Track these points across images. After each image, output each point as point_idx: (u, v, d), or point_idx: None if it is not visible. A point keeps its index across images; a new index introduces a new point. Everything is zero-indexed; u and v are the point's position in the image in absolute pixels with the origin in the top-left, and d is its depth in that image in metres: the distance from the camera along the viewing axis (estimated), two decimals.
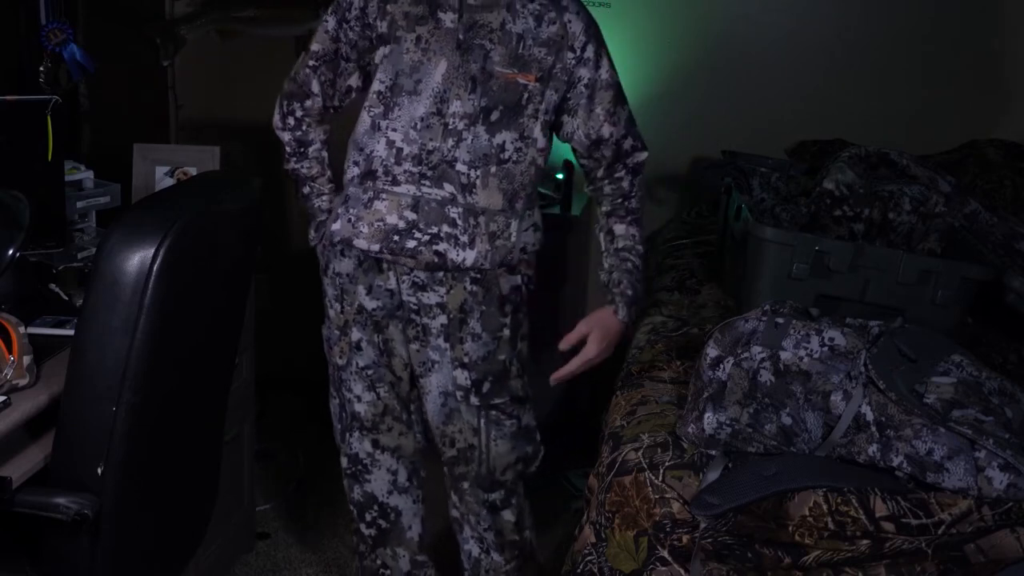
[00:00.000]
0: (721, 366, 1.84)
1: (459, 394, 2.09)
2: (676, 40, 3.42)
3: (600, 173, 2.10)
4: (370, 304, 2.09)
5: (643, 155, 2.11)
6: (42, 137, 2.19)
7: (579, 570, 1.86)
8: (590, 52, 1.99)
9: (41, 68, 2.62)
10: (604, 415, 2.24)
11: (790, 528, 1.68)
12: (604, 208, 2.12)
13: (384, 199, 1.99)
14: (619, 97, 2.06)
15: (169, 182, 2.60)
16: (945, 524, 1.66)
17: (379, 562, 2.34)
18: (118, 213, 1.97)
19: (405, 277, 2.03)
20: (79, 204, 2.42)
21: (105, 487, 1.58)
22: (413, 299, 2.05)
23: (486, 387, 2.09)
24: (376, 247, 2.01)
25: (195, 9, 3.46)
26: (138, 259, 1.51)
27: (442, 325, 2.05)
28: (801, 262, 2.20)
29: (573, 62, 1.98)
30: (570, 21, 1.97)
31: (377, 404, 2.18)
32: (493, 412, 2.13)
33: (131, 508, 1.66)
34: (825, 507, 1.68)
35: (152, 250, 1.51)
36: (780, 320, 1.87)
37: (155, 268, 1.51)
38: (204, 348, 1.82)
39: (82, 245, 2.34)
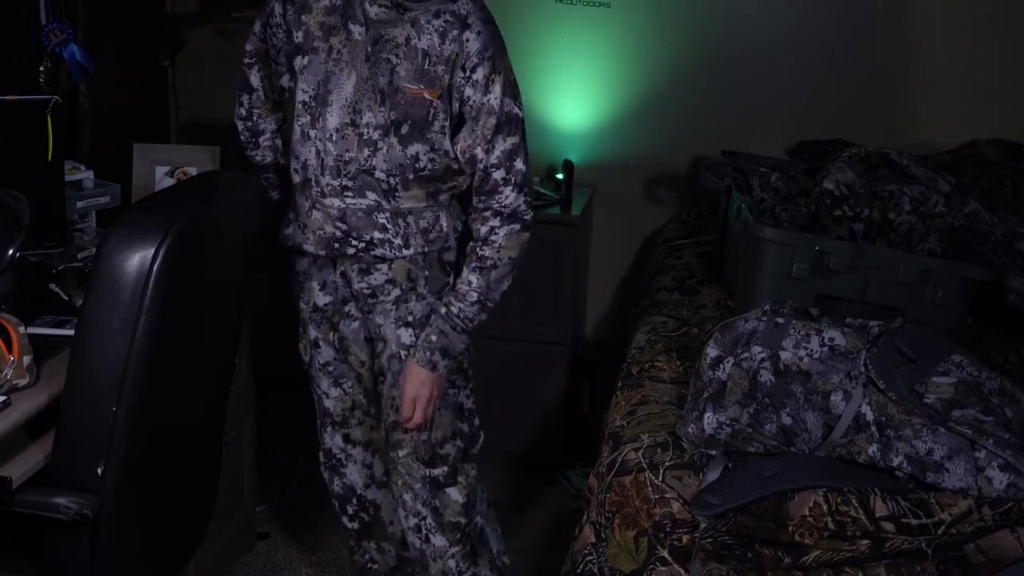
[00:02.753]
0: (721, 366, 1.84)
1: (403, 353, 2.08)
2: (676, 40, 3.42)
3: (474, 199, 2.03)
4: (322, 300, 2.13)
5: (511, 197, 1.98)
6: (42, 137, 2.19)
7: (579, 570, 1.86)
8: (479, 75, 1.94)
9: (41, 68, 2.62)
10: (604, 415, 2.24)
11: (790, 528, 1.68)
12: (468, 247, 2.03)
13: (319, 209, 2.02)
14: (504, 128, 1.96)
15: (169, 182, 2.60)
16: (945, 524, 1.66)
17: (367, 556, 2.34)
18: (118, 213, 1.97)
19: (354, 266, 2.06)
20: (79, 204, 2.42)
21: (105, 487, 1.58)
22: (364, 284, 2.07)
23: None
24: (322, 252, 2.06)
25: (195, 9, 3.47)
26: (138, 259, 1.51)
27: (396, 297, 2.06)
28: (801, 262, 2.20)
29: (462, 81, 1.94)
30: (468, 40, 1.93)
31: (344, 399, 2.20)
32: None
33: (131, 508, 1.66)
34: (825, 507, 1.68)
35: (152, 250, 1.51)
36: (780, 320, 1.87)
37: (155, 268, 1.51)
38: (204, 348, 1.82)
39: (82, 245, 2.34)
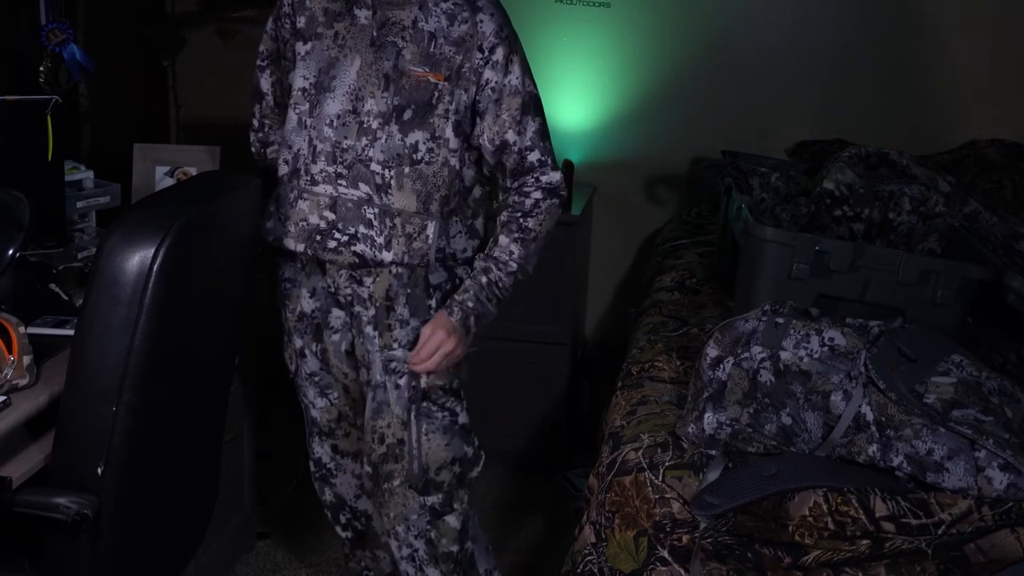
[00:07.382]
0: (721, 366, 1.84)
1: (387, 383, 2.03)
2: (676, 40, 3.42)
3: (508, 182, 2.02)
4: (310, 306, 2.08)
5: (555, 176, 2.00)
6: (42, 137, 2.19)
7: (579, 570, 1.86)
8: (499, 55, 1.94)
9: (41, 68, 2.62)
10: (604, 415, 2.24)
11: (790, 528, 1.68)
12: (502, 218, 2.02)
13: (306, 199, 1.99)
14: (529, 107, 1.98)
15: (169, 182, 2.60)
16: (945, 524, 1.66)
17: (362, 564, 2.33)
18: (118, 213, 1.97)
19: (343, 272, 2.03)
20: (79, 204, 2.42)
21: (105, 487, 1.58)
22: (348, 290, 2.03)
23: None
24: (301, 247, 2.01)
25: (195, 9, 3.47)
26: (138, 259, 1.51)
27: (371, 316, 2.02)
28: (801, 262, 2.20)
29: (480, 63, 1.93)
30: (482, 21, 1.93)
31: (331, 410, 2.17)
32: (424, 403, 2.03)
33: (131, 508, 1.66)
34: (825, 507, 1.68)
35: (152, 250, 1.51)
36: (780, 320, 1.87)
37: (155, 268, 1.51)
38: (204, 348, 1.82)
39: (82, 245, 2.34)
